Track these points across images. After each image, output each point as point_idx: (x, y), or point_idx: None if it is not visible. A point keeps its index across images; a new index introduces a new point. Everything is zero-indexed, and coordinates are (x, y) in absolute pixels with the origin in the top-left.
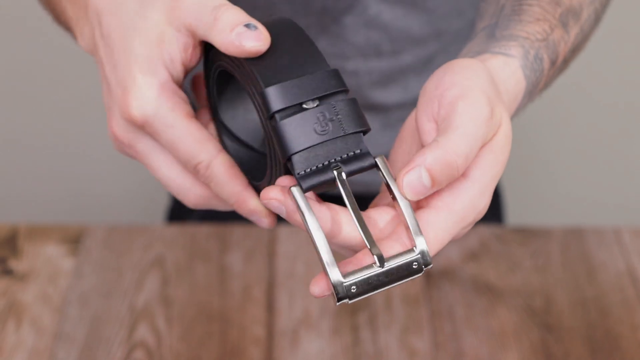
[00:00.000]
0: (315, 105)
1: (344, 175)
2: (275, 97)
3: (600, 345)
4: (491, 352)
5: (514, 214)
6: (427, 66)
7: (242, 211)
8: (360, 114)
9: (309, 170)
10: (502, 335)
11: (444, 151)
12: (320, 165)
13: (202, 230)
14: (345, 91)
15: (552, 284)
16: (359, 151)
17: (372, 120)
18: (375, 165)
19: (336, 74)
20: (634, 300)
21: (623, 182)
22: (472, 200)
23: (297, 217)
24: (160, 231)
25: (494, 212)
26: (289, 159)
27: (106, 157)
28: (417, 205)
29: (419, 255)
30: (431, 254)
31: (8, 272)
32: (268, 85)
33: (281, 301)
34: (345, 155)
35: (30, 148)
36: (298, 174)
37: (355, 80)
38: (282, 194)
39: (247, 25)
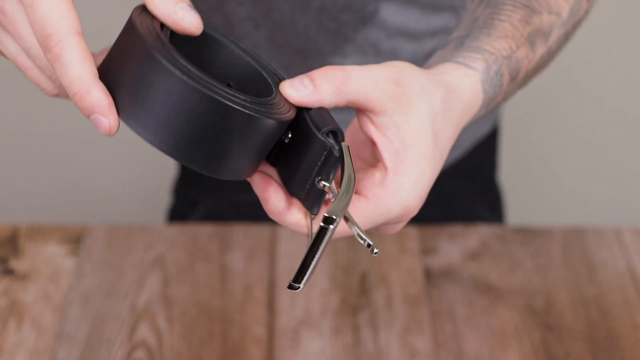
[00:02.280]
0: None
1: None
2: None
3: (601, 345)
4: (492, 352)
5: (514, 214)
6: (425, 63)
7: (82, 104)
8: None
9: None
10: (503, 335)
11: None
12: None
13: (203, 230)
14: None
15: (553, 284)
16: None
17: None
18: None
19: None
20: (635, 300)
21: (623, 182)
22: (400, 194)
23: None
24: (161, 231)
25: (495, 212)
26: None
27: (107, 157)
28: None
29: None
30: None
31: (9, 272)
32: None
33: (282, 301)
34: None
35: (31, 148)
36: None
37: None
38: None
39: (190, 6)
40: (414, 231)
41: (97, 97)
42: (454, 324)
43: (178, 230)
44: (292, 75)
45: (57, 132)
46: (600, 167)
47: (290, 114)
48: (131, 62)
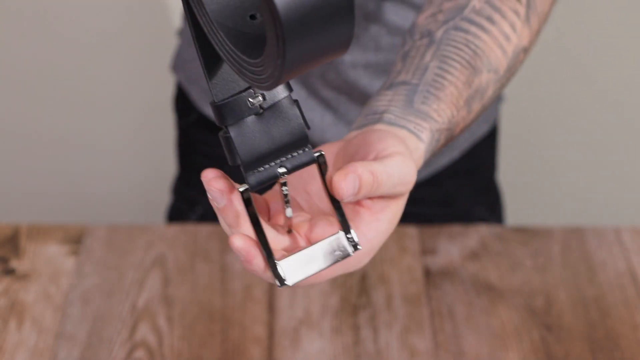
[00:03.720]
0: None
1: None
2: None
3: (601, 345)
4: (492, 352)
5: (514, 214)
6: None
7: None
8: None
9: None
10: (503, 334)
11: (375, 168)
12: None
13: (203, 230)
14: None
15: (553, 284)
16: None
17: None
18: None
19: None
20: (634, 299)
21: (623, 182)
22: (361, 256)
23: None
24: (161, 231)
25: (494, 212)
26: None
27: (107, 157)
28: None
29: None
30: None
31: (10, 272)
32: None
33: (282, 301)
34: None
35: (32, 148)
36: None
37: (353, 73)
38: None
39: None
40: (413, 231)
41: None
42: (454, 323)
43: (178, 230)
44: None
45: (58, 132)
46: (600, 167)
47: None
48: None
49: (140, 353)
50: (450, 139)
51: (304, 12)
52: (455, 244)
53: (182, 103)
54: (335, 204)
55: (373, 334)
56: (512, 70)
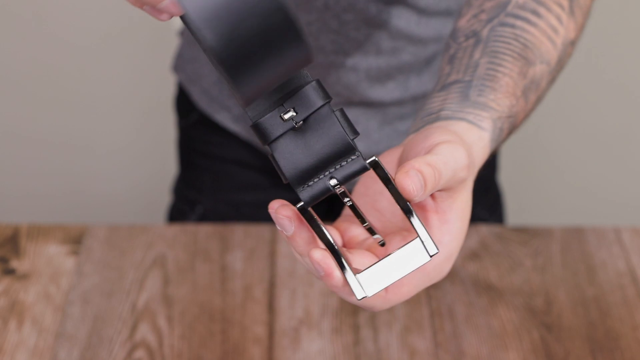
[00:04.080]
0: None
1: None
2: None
3: (601, 345)
4: (492, 352)
5: (514, 214)
6: (428, 66)
7: None
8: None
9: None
10: (503, 334)
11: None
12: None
13: (203, 230)
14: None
15: (553, 284)
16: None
17: (369, 119)
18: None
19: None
20: (634, 299)
21: (623, 182)
22: (441, 263)
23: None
24: (162, 231)
25: (494, 212)
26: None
27: (108, 157)
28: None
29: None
30: (396, 304)
31: (10, 272)
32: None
33: (282, 301)
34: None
35: (32, 148)
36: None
37: (354, 76)
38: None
39: None
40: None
41: None
42: (454, 323)
43: (178, 230)
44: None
45: (58, 132)
46: (600, 167)
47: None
48: None
49: (140, 353)
50: (513, 128)
51: (241, 46)
52: None
53: (183, 103)
54: (405, 207)
55: (373, 334)
56: (561, 63)
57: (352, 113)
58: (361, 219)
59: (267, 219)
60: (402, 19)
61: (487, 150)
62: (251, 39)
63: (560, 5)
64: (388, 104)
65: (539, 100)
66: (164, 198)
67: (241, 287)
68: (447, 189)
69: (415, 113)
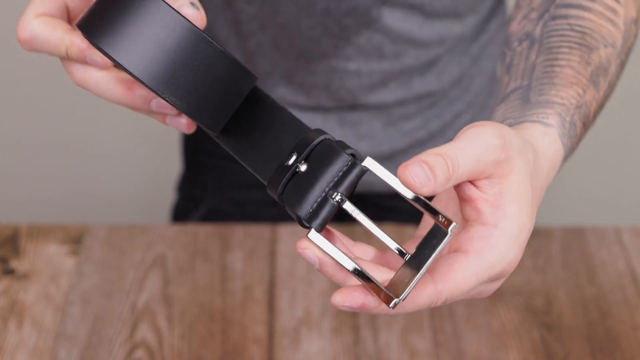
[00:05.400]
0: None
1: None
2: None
3: (601, 345)
4: (492, 352)
5: None
6: (431, 67)
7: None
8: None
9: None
10: (503, 334)
11: (442, 151)
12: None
13: (203, 230)
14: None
15: (553, 284)
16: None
17: (373, 120)
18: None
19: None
20: (635, 299)
21: (623, 182)
22: (500, 248)
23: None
24: (162, 231)
25: None
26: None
27: (107, 157)
28: (450, 249)
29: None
30: (455, 296)
31: (10, 272)
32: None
33: (282, 301)
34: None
35: (32, 148)
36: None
37: (357, 81)
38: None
39: (192, 4)
40: (414, 231)
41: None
42: (454, 323)
43: (178, 230)
44: (294, 80)
45: (58, 132)
46: (600, 167)
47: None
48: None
49: (140, 353)
50: (587, 120)
51: (165, 72)
52: None
53: None
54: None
55: (373, 334)
56: (628, 44)
57: (355, 115)
58: (373, 226)
59: (271, 217)
60: (404, 22)
61: (559, 145)
62: (186, 73)
63: None
64: (391, 105)
65: (611, 87)
66: (165, 198)
67: (241, 287)
68: (488, 176)
69: (419, 113)
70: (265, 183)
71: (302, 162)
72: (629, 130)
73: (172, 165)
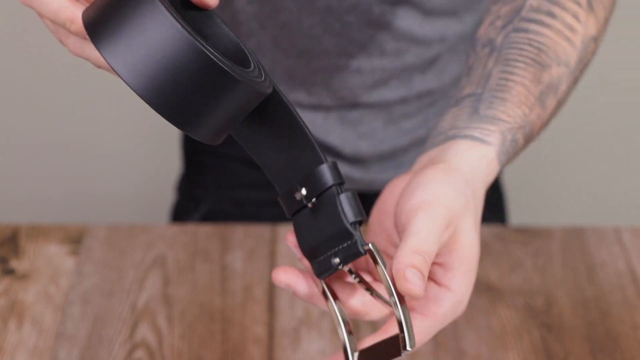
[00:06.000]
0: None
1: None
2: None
3: (601, 345)
4: (492, 352)
5: (514, 214)
6: (432, 65)
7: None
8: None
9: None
10: (503, 334)
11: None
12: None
13: (203, 230)
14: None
15: (553, 284)
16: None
17: (373, 118)
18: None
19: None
20: (635, 299)
21: (623, 182)
22: (452, 307)
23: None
24: (162, 231)
25: (497, 211)
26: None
27: (107, 157)
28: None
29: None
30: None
31: (9, 272)
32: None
33: (282, 301)
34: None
35: (32, 148)
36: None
37: (358, 79)
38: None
39: None
40: None
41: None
42: (454, 323)
43: (178, 230)
44: (295, 79)
45: (58, 132)
46: (600, 167)
47: (269, 89)
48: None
49: (140, 353)
50: (530, 138)
51: (180, 101)
52: None
53: None
54: (399, 297)
55: (372, 333)
56: (584, 62)
57: (356, 114)
58: (372, 293)
59: (271, 217)
60: (405, 20)
61: (495, 165)
62: (188, 93)
63: (577, 2)
64: (392, 103)
65: (560, 104)
66: (164, 198)
67: (241, 287)
68: (442, 247)
69: (419, 111)
70: (279, 193)
71: (311, 199)
72: (629, 130)
73: (172, 165)
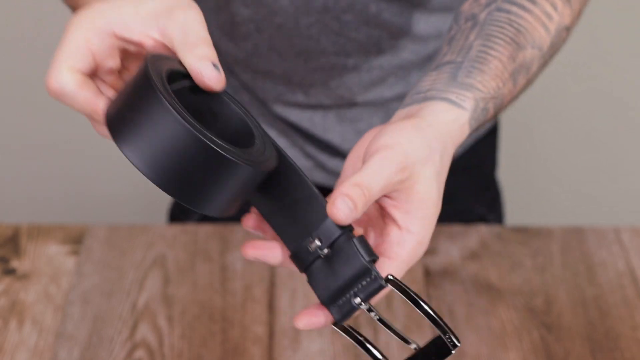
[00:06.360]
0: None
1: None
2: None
3: (600, 345)
4: (492, 352)
5: (514, 214)
6: (429, 62)
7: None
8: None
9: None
10: (503, 334)
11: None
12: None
13: (203, 230)
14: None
15: (553, 284)
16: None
17: (371, 115)
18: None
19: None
20: (634, 299)
21: (623, 182)
22: (414, 248)
23: None
24: (162, 231)
25: (494, 210)
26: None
27: (108, 157)
28: (377, 251)
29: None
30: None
31: (10, 272)
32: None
33: (282, 300)
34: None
35: (32, 148)
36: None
37: (356, 77)
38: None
39: (215, 65)
40: None
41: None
42: (454, 323)
43: (178, 230)
44: (293, 80)
45: (58, 132)
46: (600, 167)
47: (271, 163)
48: (137, 99)
49: (140, 353)
50: (500, 109)
51: (185, 183)
52: (455, 244)
53: None
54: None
55: (373, 334)
56: (555, 48)
57: (354, 112)
58: (392, 330)
59: None
60: (402, 16)
61: (466, 128)
62: (195, 178)
63: None
64: (390, 100)
65: (529, 83)
66: (165, 198)
67: (241, 287)
68: (396, 190)
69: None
70: (290, 251)
71: (325, 249)
72: (629, 130)
73: None
